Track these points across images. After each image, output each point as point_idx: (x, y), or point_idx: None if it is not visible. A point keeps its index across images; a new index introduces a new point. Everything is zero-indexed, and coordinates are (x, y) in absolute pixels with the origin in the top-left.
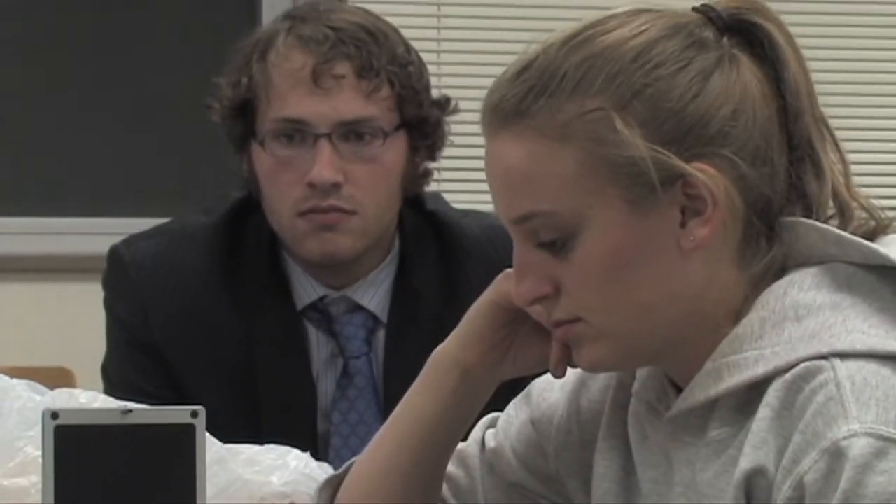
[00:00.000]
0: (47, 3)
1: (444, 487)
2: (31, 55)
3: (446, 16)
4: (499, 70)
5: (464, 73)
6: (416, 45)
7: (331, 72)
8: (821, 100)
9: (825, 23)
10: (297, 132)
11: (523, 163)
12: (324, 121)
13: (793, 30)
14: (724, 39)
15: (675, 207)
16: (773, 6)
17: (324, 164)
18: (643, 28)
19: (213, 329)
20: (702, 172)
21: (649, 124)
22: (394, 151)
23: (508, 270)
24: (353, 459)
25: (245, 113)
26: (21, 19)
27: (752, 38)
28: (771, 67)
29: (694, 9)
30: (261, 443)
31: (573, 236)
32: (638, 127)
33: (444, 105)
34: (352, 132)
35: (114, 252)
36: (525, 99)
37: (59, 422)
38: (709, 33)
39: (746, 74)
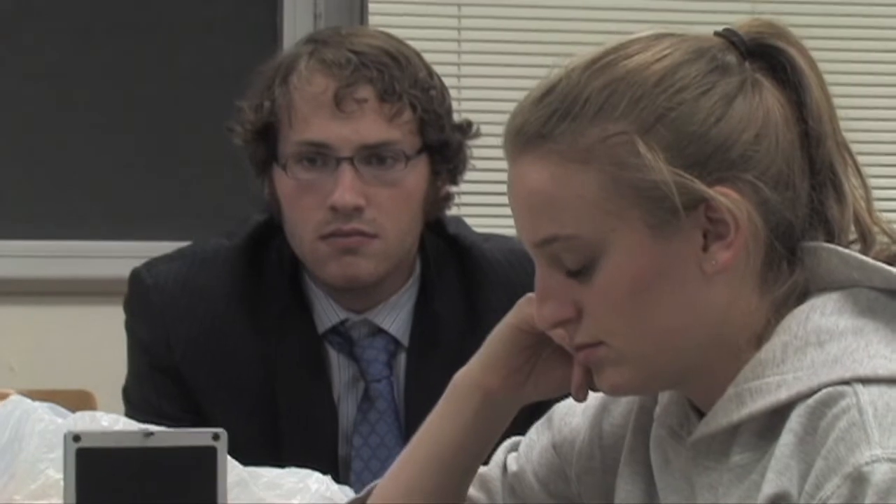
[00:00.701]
0: (72, 29)
1: None
2: (55, 80)
3: (466, 40)
4: (519, 94)
5: (484, 98)
6: (436, 68)
7: (353, 95)
8: (842, 124)
9: (847, 48)
10: (319, 155)
11: (546, 186)
12: (346, 144)
13: (814, 54)
14: (747, 64)
15: (697, 231)
16: (796, 31)
17: (346, 187)
18: (666, 52)
19: (235, 352)
20: (724, 196)
21: (672, 148)
22: (415, 175)
23: (530, 294)
24: (375, 483)
25: (267, 136)
26: (46, 43)
27: (774, 62)
28: (793, 92)
29: (716, 33)
30: (282, 466)
31: (595, 260)
32: (661, 151)
33: (465, 129)
34: (374, 156)
35: (135, 275)
36: (548, 122)
37: (81, 444)
38: (731, 58)
39: (769, 99)
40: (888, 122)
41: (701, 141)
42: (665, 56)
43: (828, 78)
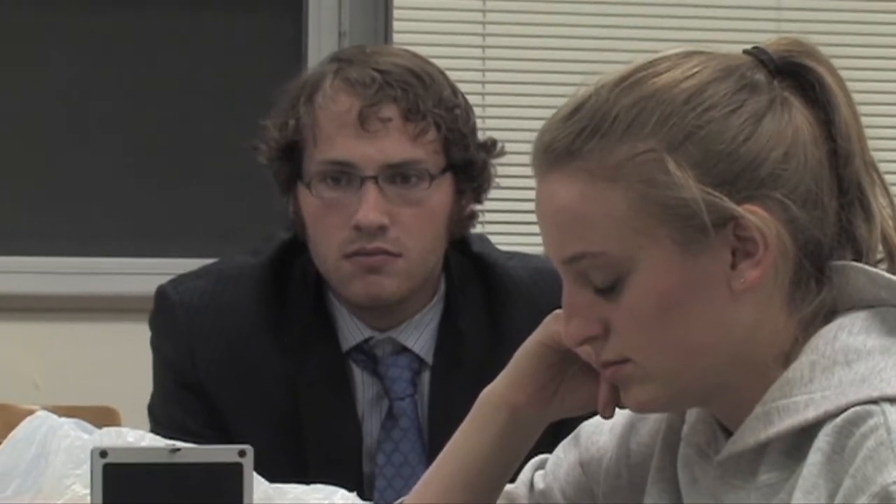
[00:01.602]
0: (95, 46)
1: None
2: (79, 98)
3: (491, 58)
4: (543, 112)
5: (509, 116)
6: (461, 87)
7: (377, 114)
8: (869, 143)
9: (876, 66)
10: (343, 174)
11: (574, 203)
12: (370, 163)
13: (843, 73)
14: (776, 82)
15: (726, 249)
16: (824, 50)
17: (370, 206)
18: (695, 70)
19: (259, 369)
20: (753, 215)
21: (701, 166)
22: (440, 194)
23: (557, 311)
24: (400, 500)
25: (291, 155)
26: (68, 63)
27: (803, 81)
28: (822, 111)
29: (745, 51)
30: (307, 483)
31: (623, 277)
32: (690, 169)
33: (490, 148)
34: (398, 175)
35: (161, 292)
36: (577, 140)
37: (107, 460)
38: (760, 76)
39: (798, 117)
40: None
41: (730, 159)
42: (694, 74)
43: (855, 97)
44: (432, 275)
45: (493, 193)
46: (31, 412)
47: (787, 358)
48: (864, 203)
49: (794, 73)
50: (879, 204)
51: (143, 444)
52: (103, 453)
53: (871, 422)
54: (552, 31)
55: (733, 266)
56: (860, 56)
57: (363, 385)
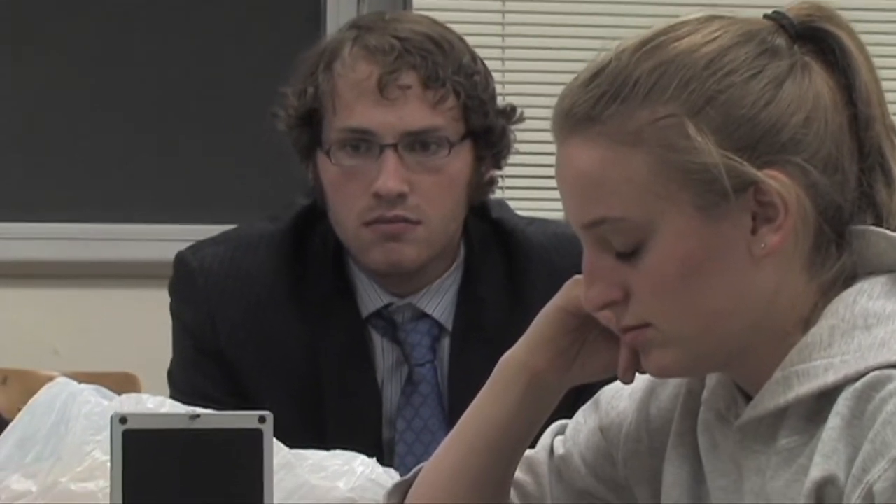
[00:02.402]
0: (117, 14)
1: (513, 493)
2: (100, 66)
3: (511, 23)
4: (563, 78)
5: (528, 81)
6: (480, 52)
7: (397, 82)
8: (891, 108)
9: None
10: (362, 142)
11: (594, 168)
12: (390, 131)
13: (863, 38)
14: (796, 47)
15: (746, 214)
16: (845, 14)
17: (389, 174)
18: (715, 35)
19: (279, 335)
20: (774, 179)
21: (722, 131)
22: (459, 161)
23: (577, 276)
24: (421, 465)
25: (311, 122)
26: (87, 32)
27: (823, 45)
28: (842, 75)
29: (765, 16)
30: (326, 449)
31: (644, 242)
32: (711, 133)
33: (509, 114)
34: (417, 142)
35: (181, 258)
36: (597, 105)
37: (127, 426)
38: (781, 41)
39: (818, 82)
40: None
41: (750, 124)
42: (715, 39)
43: (876, 62)
44: (452, 241)
45: (512, 159)
46: (50, 378)
47: (807, 323)
48: (884, 167)
49: (814, 38)
50: None
51: (163, 410)
52: (123, 419)
53: (890, 386)
54: None
55: (754, 231)
56: (880, 20)
57: (383, 351)
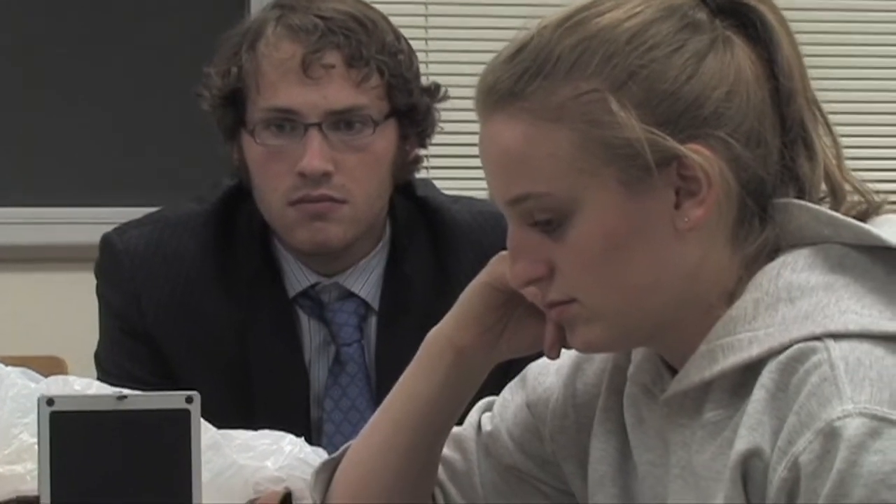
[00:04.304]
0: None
1: (441, 470)
2: (22, 49)
3: (434, 3)
4: (486, 56)
5: (452, 60)
6: (403, 31)
7: (320, 61)
8: (812, 83)
9: (817, 6)
10: (287, 122)
11: (518, 144)
12: (314, 110)
13: (784, 13)
14: (718, 21)
15: (669, 189)
16: None
17: (314, 153)
18: (637, 10)
19: (206, 316)
20: (696, 154)
21: (644, 106)
22: (384, 140)
23: (503, 252)
24: (349, 444)
25: (235, 102)
26: (12, 15)
27: (744, 19)
28: (764, 49)
29: None
30: (254, 429)
31: (568, 217)
32: (633, 108)
33: (433, 92)
34: (342, 121)
35: (106, 240)
36: (519, 81)
37: (54, 408)
38: (702, 15)
39: (740, 56)
40: (859, 80)
41: (672, 98)
42: (636, 14)
43: (798, 36)
44: (378, 220)
45: (437, 138)
46: None
47: (731, 296)
48: (806, 141)
49: (735, 12)
50: (823, 142)
51: (90, 391)
52: (50, 401)
53: (814, 358)
54: None
55: (677, 205)
56: None
57: (310, 331)
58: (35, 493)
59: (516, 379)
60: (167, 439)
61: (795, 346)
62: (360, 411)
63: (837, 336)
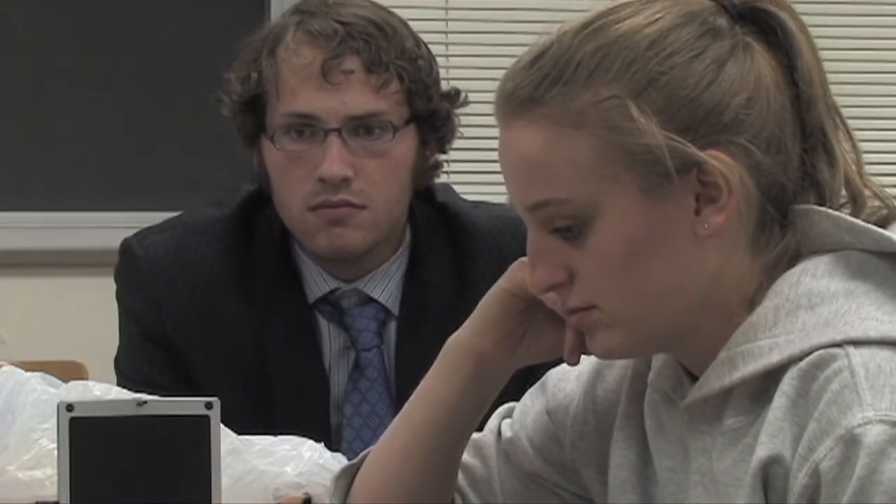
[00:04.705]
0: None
1: (460, 476)
2: (43, 53)
3: (454, 7)
4: (507, 61)
5: (472, 66)
6: (423, 37)
7: (340, 67)
8: (833, 89)
9: (837, 12)
10: (306, 127)
11: (538, 151)
12: (333, 116)
13: (805, 19)
14: (738, 27)
15: (690, 195)
16: None
17: (334, 159)
18: (658, 16)
19: (226, 322)
20: (717, 160)
21: (664, 112)
22: (404, 145)
23: (522, 258)
24: (369, 449)
25: (255, 108)
26: (31, 17)
27: (765, 26)
28: (784, 56)
29: None
30: (274, 435)
31: (588, 224)
32: (653, 115)
33: (453, 98)
34: (361, 127)
35: (126, 246)
36: (539, 87)
37: (74, 414)
38: (722, 21)
39: (760, 62)
40: (879, 85)
41: (693, 105)
42: (657, 20)
43: (818, 42)
44: (397, 226)
45: (457, 143)
46: None
47: (752, 303)
48: (827, 147)
49: (756, 19)
50: (843, 148)
51: (110, 397)
52: (70, 407)
53: (835, 365)
54: None
55: (697, 212)
56: (823, 1)
57: (329, 337)
58: (54, 499)
59: (536, 385)
60: (187, 445)
61: (816, 353)
62: (379, 417)
63: (858, 343)
